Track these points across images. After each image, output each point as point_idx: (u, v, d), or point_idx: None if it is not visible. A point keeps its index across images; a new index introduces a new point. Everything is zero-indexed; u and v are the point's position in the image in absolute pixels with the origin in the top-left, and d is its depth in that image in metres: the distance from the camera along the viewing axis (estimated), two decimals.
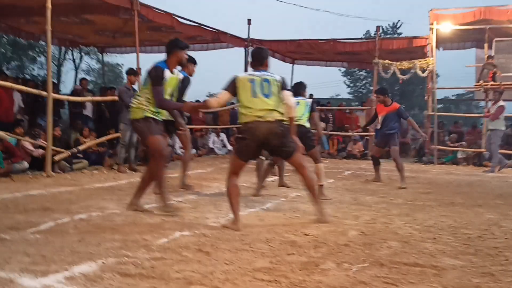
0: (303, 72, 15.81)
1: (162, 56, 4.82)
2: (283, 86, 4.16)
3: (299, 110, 6.18)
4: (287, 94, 4.15)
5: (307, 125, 6.21)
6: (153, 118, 4.52)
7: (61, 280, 2.48)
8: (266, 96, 4.07)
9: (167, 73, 4.52)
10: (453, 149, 12.84)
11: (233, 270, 2.76)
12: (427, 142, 12.76)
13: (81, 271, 2.62)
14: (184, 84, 6.30)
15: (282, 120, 4.12)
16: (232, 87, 4.14)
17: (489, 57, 12.29)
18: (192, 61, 6.15)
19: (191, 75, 6.17)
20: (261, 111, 4.02)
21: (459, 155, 12.88)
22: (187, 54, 4.84)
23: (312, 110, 6.36)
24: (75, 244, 3.22)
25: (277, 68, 4.90)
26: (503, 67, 12.47)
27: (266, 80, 4.13)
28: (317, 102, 10.92)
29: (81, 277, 2.53)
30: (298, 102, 6.03)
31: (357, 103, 27.15)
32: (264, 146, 4.16)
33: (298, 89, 6.44)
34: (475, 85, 12.81)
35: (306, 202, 5.47)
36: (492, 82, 12.10)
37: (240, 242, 3.44)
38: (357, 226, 4.15)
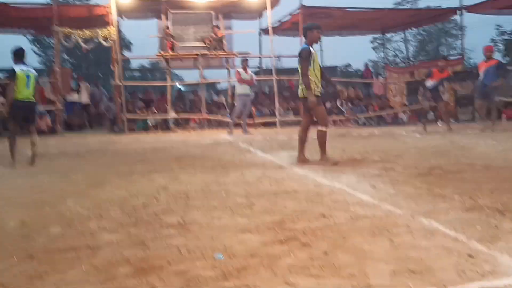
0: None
1: None
2: None
3: (32, 85, 6.71)
4: None
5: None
6: None
7: None
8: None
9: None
10: (143, 118, 13.32)
11: None
12: (117, 112, 12.86)
13: None
14: None
15: None
16: None
17: (167, 28, 13.09)
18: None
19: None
20: None
21: (150, 122, 13.50)
22: None
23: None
24: None
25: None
26: (180, 37, 13.51)
27: None
28: None
29: None
30: (28, 75, 6.62)
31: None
32: None
33: (22, 55, 6.72)
34: (157, 55, 13.50)
35: None
36: (171, 52, 12.97)
37: None
38: (19, 214, 3.70)
